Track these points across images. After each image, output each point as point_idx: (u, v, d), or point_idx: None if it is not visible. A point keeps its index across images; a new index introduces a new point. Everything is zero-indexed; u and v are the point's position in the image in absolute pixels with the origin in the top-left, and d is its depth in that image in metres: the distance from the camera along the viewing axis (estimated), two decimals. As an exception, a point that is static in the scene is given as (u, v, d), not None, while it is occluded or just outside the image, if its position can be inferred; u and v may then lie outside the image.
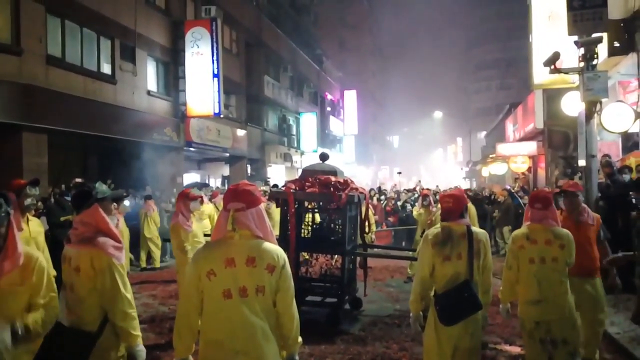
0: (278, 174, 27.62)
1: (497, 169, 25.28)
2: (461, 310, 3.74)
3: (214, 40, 17.72)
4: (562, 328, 4.16)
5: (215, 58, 17.76)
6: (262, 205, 2.84)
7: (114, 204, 4.79)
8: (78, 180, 12.26)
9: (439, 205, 4.93)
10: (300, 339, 2.89)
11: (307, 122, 32.47)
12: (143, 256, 12.56)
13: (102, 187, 3.67)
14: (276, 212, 11.70)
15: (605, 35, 9.36)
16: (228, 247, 2.72)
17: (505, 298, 4.59)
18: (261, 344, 2.66)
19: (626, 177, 8.37)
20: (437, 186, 22.86)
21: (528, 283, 4.30)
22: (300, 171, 25.95)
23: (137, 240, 12.26)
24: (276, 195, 8.03)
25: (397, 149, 78.81)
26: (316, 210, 7.87)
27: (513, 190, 14.56)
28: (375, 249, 10.43)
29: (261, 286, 2.67)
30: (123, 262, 3.31)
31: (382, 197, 18.10)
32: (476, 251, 3.84)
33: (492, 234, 13.69)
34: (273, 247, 2.76)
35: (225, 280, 2.67)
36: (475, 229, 4.00)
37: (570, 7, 9.00)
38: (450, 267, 3.82)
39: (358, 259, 8.18)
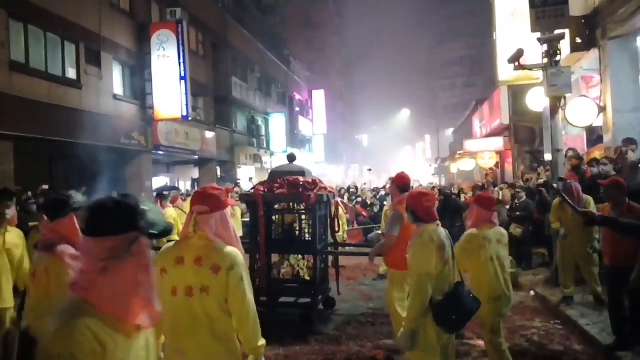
0: (248, 175, 27.52)
1: (465, 165, 25.68)
2: (465, 314, 3.68)
3: (180, 42, 17.54)
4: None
5: (181, 60, 17.58)
6: (228, 210, 2.87)
7: None
8: (45, 187, 11.99)
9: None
10: (262, 342, 2.84)
11: (276, 123, 32.41)
12: None
13: (77, 196, 3.62)
14: (239, 212, 11.79)
15: (567, 31, 9.61)
16: (181, 246, 2.80)
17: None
18: (205, 344, 2.67)
19: (594, 169, 8.59)
20: (417, 182, 22.02)
21: (491, 280, 4.46)
22: (269, 172, 25.85)
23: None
24: (245, 198, 7.99)
25: (366, 147, 79.29)
26: (286, 211, 7.86)
27: (485, 185, 14.75)
28: (347, 247, 10.48)
29: (205, 286, 2.67)
30: None
31: (353, 197, 18.16)
32: (454, 252, 3.84)
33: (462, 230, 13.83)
34: (225, 249, 2.75)
35: (173, 277, 2.73)
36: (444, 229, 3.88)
37: (533, 4, 9.25)
38: (448, 273, 3.69)
39: (330, 258, 8.20)
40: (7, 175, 11.58)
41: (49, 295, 3.12)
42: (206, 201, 2.78)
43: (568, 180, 7.39)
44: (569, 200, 3.71)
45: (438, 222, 3.83)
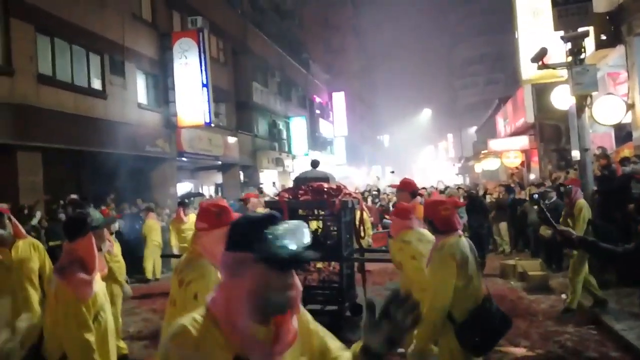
0: (271, 179, 27.62)
1: (490, 164, 25.38)
2: (491, 335, 3.44)
3: (202, 50, 17.75)
4: None
5: (203, 68, 17.78)
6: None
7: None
8: (73, 196, 12.26)
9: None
10: None
11: (297, 126, 32.51)
12: (149, 267, 12.55)
13: (96, 214, 3.64)
14: None
15: (591, 28, 9.46)
16: (181, 261, 2.87)
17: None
18: None
19: (626, 168, 8.42)
20: (441, 182, 21.43)
21: (418, 275, 4.58)
22: (292, 175, 25.93)
23: (136, 255, 12.30)
24: (270, 205, 8.01)
25: (387, 148, 78.98)
26: (311, 217, 7.87)
27: (512, 186, 14.57)
28: (373, 253, 10.41)
29: (173, 299, 2.71)
30: (89, 297, 3.28)
31: (377, 200, 18.08)
32: (479, 264, 3.60)
33: (489, 232, 13.65)
34: (197, 264, 2.70)
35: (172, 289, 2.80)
36: (469, 240, 3.66)
37: (555, 2, 9.10)
38: (474, 289, 3.41)
39: (356, 263, 8.18)
40: (37, 186, 11.84)
41: (56, 318, 3.15)
42: (206, 218, 2.76)
43: (569, 186, 7.47)
44: (548, 217, 3.48)
45: (460, 232, 3.57)
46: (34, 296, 4.35)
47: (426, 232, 4.81)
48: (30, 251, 4.50)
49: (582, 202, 7.31)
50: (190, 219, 10.20)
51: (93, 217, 3.49)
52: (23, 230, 4.55)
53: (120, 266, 6.09)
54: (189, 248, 2.83)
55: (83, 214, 3.54)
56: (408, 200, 5.56)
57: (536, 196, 5.70)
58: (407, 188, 5.72)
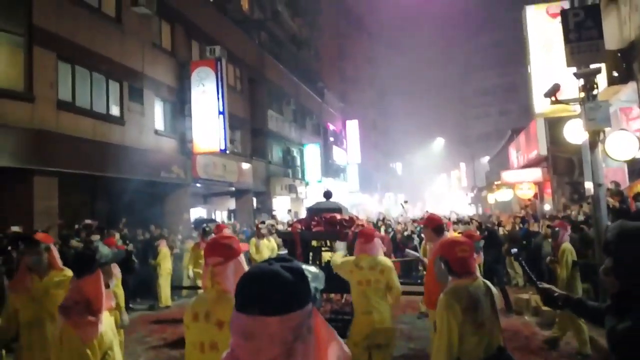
0: (283, 206, 27.73)
1: (502, 195, 25.31)
2: None
3: (219, 78, 18.08)
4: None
5: (220, 96, 18.08)
6: (242, 257, 2.82)
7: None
8: (88, 221, 12.38)
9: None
10: None
11: (311, 153, 32.74)
12: (166, 294, 12.62)
13: (104, 250, 3.59)
14: (265, 246, 11.74)
15: (603, 65, 9.53)
16: (199, 301, 2.79)
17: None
18: None
19: (640, 204, 8.42)
20: (454, 213, 21.27)
21: (360, 299, 5.20)
22: (305, 202, 25.91)
23: (147, 282, 12.42)
24: (283, 236, 8.07)
25: (400, 176, 78.93)
26: (324, 248, 7.90)
27: (525, 217, 14.45)
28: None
29: (214, 342, 2.63)
30: (94, 338, 3.26)
31: (391, 230, 18.03)
32: (497, 310, 3.38)
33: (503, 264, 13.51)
34: (231, 302, 2.57)
35: (193, 334, 2.73)
36: (487, 282, 3.47)
37: (567, 39, 9.17)
38: (484, 336, 3.21)
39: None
40: (52, 211, 11.98)
41: None
42: (219, 252, 2.74)
43: (556, 229, 7.72)
44: (530, 274, 3.37)
45: (476, 275, 3.40)
46: (50, 332, 4.19)
47: (383, 261, 5.20)
48: (59, 284, 4.28)
49: (566, 245, 7.53)
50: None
51: (102, 253, 3.43)
52: (59, 262, 4.45)
53: (119, 294, 6.15)
54: (208, 287, 2.76)
55: (90, 249, 3.49)
56: (432, 237, 5.36)
57: (514, 250, 5.44)
58: (429, 225, 5.46)
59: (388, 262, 5.27)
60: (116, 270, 6.45)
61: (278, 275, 1.35)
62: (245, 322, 1.34)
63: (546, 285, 2.85)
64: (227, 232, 9.42)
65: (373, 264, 5.14)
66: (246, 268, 2.78)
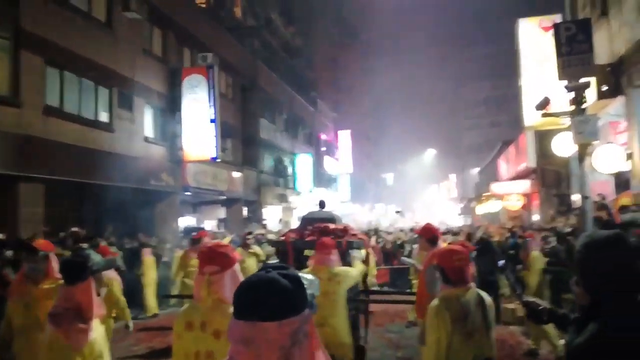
0: (274, 215, 27.65)
1: (491, 207, 25.43)
2: None
3: (211, 86, 17.99)
4: None
5: (212, 103, 17.98)
6: (237, 265, 2.80)
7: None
8: (75, 229, 12.24)
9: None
10: None
11: (303, 163, 32.72)
12: (153, 303, 12.47)
13: (96, 257, 3.56)
14: (251, 264, 11.73)
15: (593, 79, 9.61)
16: (192, 310, 2.74)
17: None
18: None
19: (625, 216, 8.46)
20: (443, 224, 21.45)
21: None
22: (295, 211, 25.87)
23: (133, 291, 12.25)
24: (275, 245, 8.01)
25: (391, 186, 79.03)
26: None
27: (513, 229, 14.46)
28: (377, 295, 10.30)
29: (210, 351, 2.61)
30: (83, 345, 3.21)
31: (381, 241, 18.02)
32: (490, 321, 3.39)
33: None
34: (228, 311, 2.57)
35: (185, 343, 2.69)
36: (482, 292, 3.46)
37: (559, 53, 9.29)
38: (473, 346, 3.24)
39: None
40: (37, 218, 11.81)
41: None
42: (216, 260, 2.70)
43: (527, 238, 8.16)
44: (515, 286, 3.38)
45: (470, 285, 3.43)
46: (39, 340, 4.11)
47: (341, 272, 5.14)
48: (52, 293, 4.19)
49: (534, 253, 7.92)
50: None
51: (93, 261, 3.40)
52: (56, 271, 4.41)
53: (122, 300, 6.18)
54: (203, 296, 2.70)
55: (82, 256, 3.45)
56: (426, 247, 5.39)
57: (501, 263, 5.36)
58: (424, 234, 5.55)
59: (345, 271, 5.24)
60: (116, 275, 6.45)
61: (275, 282, 1.39)
62: (243, 329, 1.38)
63: (531, 299, 2.78)
64: (206, 240, 9.33)
65: (331, 276, 5.08)
66: (242, 277, 2.75)
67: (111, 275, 6.62)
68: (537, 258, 7.89)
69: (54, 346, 3.14)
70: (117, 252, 11.90)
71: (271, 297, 1.37)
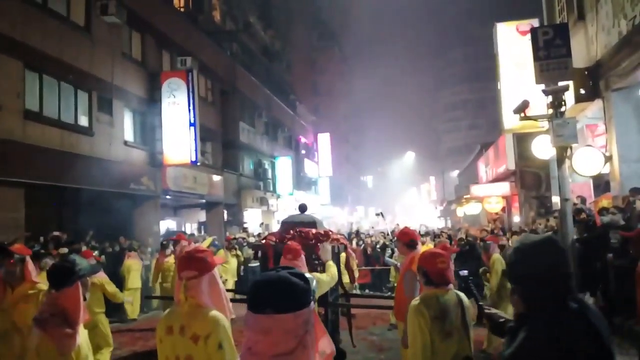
0: (255, 218, 27.59)
1: (471, 209, 25.69)
2: None
3: (190, 90, 17.88)
4: None
5: (191, 107, 17.89)
6: (216, 270, 2.82)
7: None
8: (56, 233, 12.11)
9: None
10: None
11: (283, 166, 32.69)
12: (129, 307, 12.35)
13: (83, 262, 3.53)
14: (234, 264, 11.83)
15: (571, 83, 9.77)
16: (172, 315, 2.76)
17: None
18: None
19: (605, 218, 8.62)
20: (423, 226, 21.55)
21: None
22: (276, 214, 25.85)
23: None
24: (256, 248, 8.01)
25: (371, 189, 79.48)
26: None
27: (494, 231, 14.68)
28: (358, 298, 10.35)
29: (188, 355, 2.63)
30: (72, 350, 3.20)
31: (362, 243, 18.10)
32: (468, 321, 3.47)
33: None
34: (208, 315, 2.67)
35: (166, 347, 2.71)
36: (460, 293, 3.55)
37: (537, 57, 9.37)
38: (452, 345, 3.33)
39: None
40: (18, 223, 11.66)
41: None
42: (194, 265, 2.71)
43: (488, 242, 8.29)
44: (478, 297, 3.39)
45: (450, 286, 3.51)
46: (16, 345, 4.15)
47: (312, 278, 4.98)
48: (29, 297, 4.26)
49: (496, 256, 8.04)
50: (171, 259, 10.17)
51: (80, 266, 3.37)
52: (33, 275, 4.41)
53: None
54: (182, 300, 2.72)
55: (69, 261, 3.42)
56: (405, 251, 5.34)
57: (464, 272, 5.28)
58: (402, 238, 5.47)
59: (316, 276, 5.03)
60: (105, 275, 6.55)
61: (288, 279, 1.62)
62: (262, 321, 1.58)
63: (492, 311, 2.73)
64: (184, 243, 9.35)
65: None
66: (220, 282, 2.81)
67: (102, 276, 6.85)
68: (498, 260, 8.04)
69: (41, 351, 3.12)
70: (100, 257, 11.82)
71: (287, 293, 1.59)
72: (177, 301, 2.77)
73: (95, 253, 11.13)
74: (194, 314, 2.67)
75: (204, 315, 2.66)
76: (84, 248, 11.15)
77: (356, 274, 12.18)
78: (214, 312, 2.68)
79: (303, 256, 4.90)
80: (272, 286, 1.61)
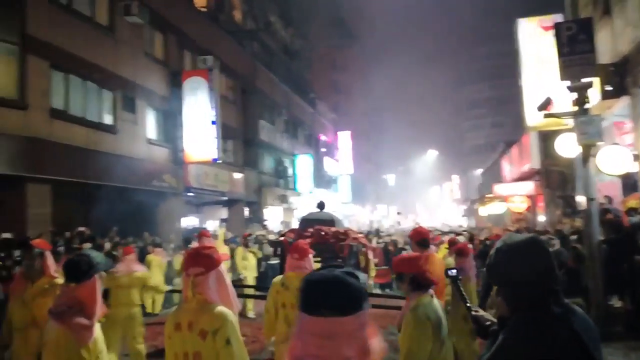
0: (275, 216, 27.68)
1: (495, 208, 25.33)
2: None
3: (211, 88, 18.06)
4: None
5: (212, 105, 18.06)
6: (223, 266, 2.85)
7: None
8: (82, 229, 12.35)
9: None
10: None
11: (303, 164, 32.74)
12: (149, 301, 12.47)
13: (99, 257, 3.54)
14: (252, 260, 11.87)
15: (596, 79, 9.53)
16: (180, 311, 2.80)
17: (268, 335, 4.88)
18: None
19: (633, 219, 8.41)
20: (445, 225, 21.56)
21: (280, 325, 4.59)
22: (296, 212, 25.93)
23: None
24: (274, 245, 8.02)
25: (392, 187, 79.02)
26: (316, 260, 7.84)
27: (519, 231, 14.47)
28: (377, 298, 10.26)
29: (197, 352, 2.66)
30: (89, 341, 3.19)
31: (381, 241, 18.01)
32: (448, 327, 3.45)
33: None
34: (214, 311, 2.70)
35: (175, 344, 2.74)
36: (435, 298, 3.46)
37: (560, 53, 9.17)
38: (445, 352, 3.32)
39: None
40: (44, 218, 11.91)
41: None
42: (200, 262, 2.76)
43: (494, 240, 7.85)
44: (465, 298, 3.25)
45: (432, 291, 3.41)
46: (34, 338, 4.22)
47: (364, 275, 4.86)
48: (47, 291, 4.31)
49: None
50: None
51: (96, 260, 3.39)
52: (52, 269, 4.48)
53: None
54: (189, 297, 2.75)
55: (86, 255, 3.44)
56: (417, 250, 5.18)
57: (454, 272, 5.08)
58: (414, 237, 5.32)
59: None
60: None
61: (344, 279, 1.47)
62: (324, 325, 1.43)
63: (480, 313, 2.60)
64: (208, 240, 9.38)
65: None
66: (227, 278, 2.85)
67: (143, 270, 7.08)
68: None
69: (60, 342, 3.13)
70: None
71: (346, 293, 1.45)
72: (184, 298, 2.81)
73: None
74: (202, 310, 2.71)
75: (211, 311, 2.69)
76: (107, 244, 11.31)
77: (372, 273, 12.15)
78: (221, 308, 2.72)
79: (310, 256, 4.75)
80: (329, 287, 1.47)
